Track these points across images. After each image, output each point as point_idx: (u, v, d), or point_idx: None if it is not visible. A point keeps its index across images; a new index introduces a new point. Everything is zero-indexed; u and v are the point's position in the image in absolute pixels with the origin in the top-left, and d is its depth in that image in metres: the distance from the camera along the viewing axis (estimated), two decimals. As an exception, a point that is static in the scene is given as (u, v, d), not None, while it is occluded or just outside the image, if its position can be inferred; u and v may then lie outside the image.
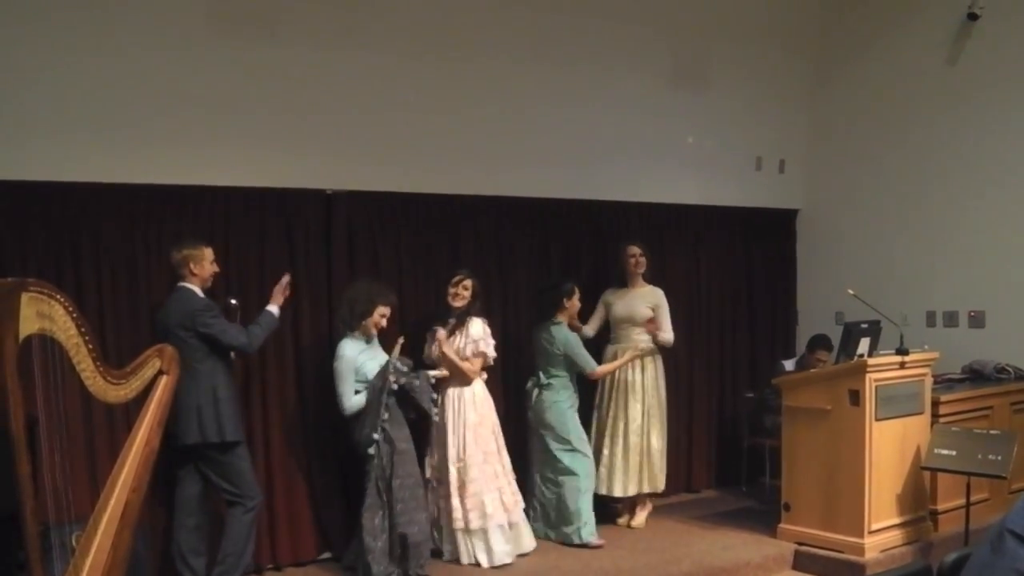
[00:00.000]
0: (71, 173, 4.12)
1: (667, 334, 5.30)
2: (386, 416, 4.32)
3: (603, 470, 5.27)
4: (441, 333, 4.73)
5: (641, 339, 5.28)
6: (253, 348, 4.21)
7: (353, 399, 4.37)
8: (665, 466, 5.39)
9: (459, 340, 4.77)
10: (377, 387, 4.33)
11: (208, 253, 4.16)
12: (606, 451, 5.29)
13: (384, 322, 4.50)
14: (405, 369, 4.39)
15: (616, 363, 5.21)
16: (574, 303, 5.14)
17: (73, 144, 4.12)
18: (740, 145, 6.44)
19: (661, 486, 5.38)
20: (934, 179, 6.07)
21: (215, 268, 4.21)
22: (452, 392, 4.76)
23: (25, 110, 4.01)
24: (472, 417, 4.72)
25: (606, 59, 5.66)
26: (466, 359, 4.74)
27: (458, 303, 4.78)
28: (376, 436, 4.31)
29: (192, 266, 4.10)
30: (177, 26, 4.31)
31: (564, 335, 5.04)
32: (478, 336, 4.77)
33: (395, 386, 4.33)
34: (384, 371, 4.34)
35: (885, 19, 6.30)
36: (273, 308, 4.29)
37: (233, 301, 4.33)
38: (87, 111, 4.14)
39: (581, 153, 5.69)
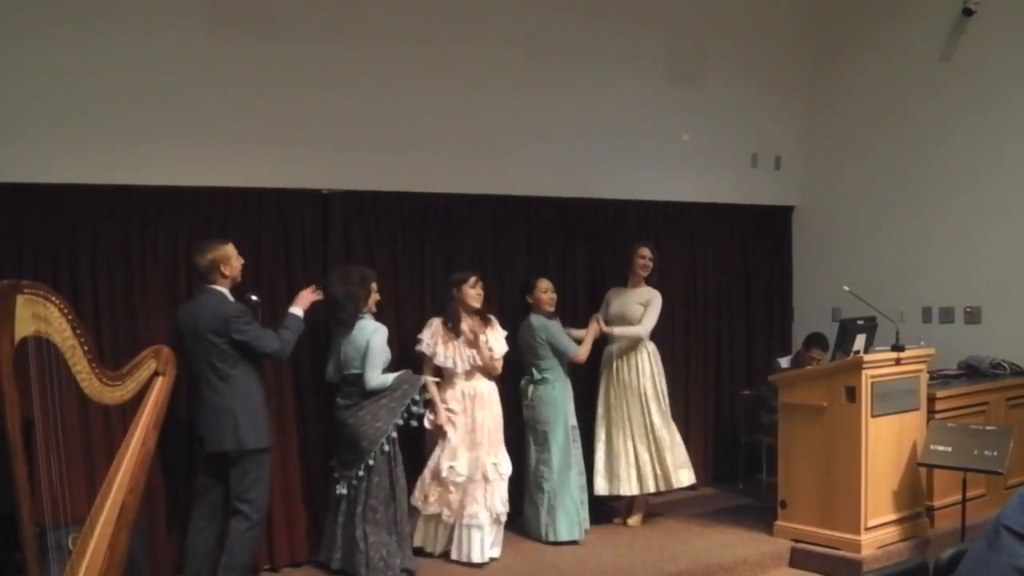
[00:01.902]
0: (66, 174, 4.11)
1: (639, 328, 5.25)
2: (401, 422, 4.46)
3: (601, 469, 5.27)
4: (481, 338, 4.76)
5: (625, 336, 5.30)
6: (286, 354, 4.15)
7: (380, 377, 4.40)
8: (682, 461, 5.33)
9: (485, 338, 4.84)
10: (400, 395, 4.44)
11: (231, 250, 4.07)
12: (603, 451, 5.28)
13: (377, 295, 4.57)
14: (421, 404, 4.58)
15: (587, 339, 5.18)
16: (537, 295, 5.12)
17: (67, 145, 4.10)
18: (736, 142, 6.44)
19: (677, 484, 5.30)
20: (930, 176, 6.07)
21: (242, 261, 4.12)
22: (480, 387, 4.80)
23: (20, 111, 4.00)
24: (498, 412, 4.84)
25: (602, 56, 5.65)
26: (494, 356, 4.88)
27: (479, 303, 4.84)
28: (394, 435, 4.41)
29: (222, 267, 4.00)
30: (173, 26, 4.29)
31: (542, 322, 5.08)
32: (502, 334, 4.91)
33: (415, 408, 4.50)
34: (415, 386, 4.48)
35: (881, 15, 6.30)
36: (298, 311, 4.23)
37: (254, 297, 4.28)
38: (82, 112, 4.12)
39: (577, 150, 5.68)
